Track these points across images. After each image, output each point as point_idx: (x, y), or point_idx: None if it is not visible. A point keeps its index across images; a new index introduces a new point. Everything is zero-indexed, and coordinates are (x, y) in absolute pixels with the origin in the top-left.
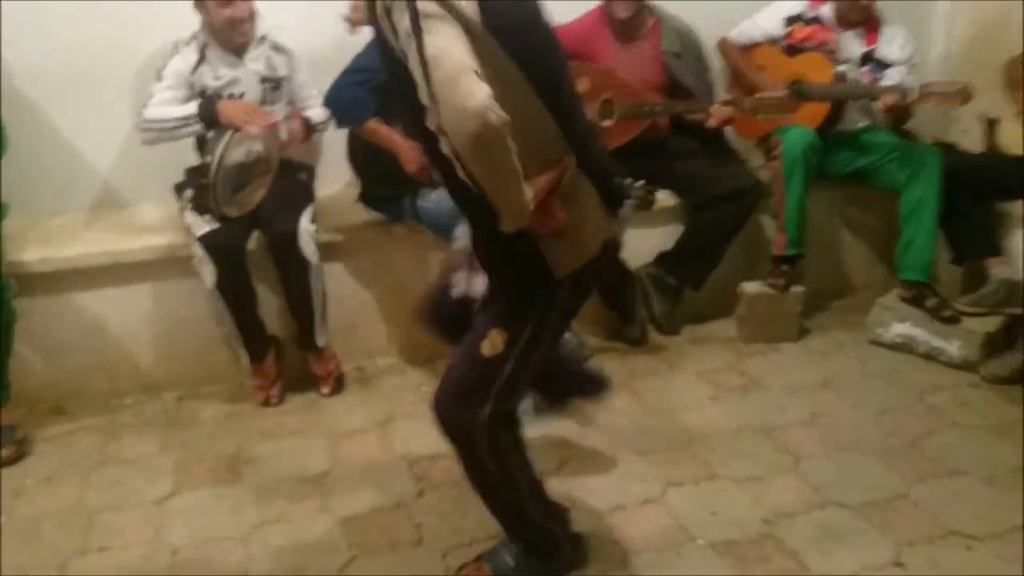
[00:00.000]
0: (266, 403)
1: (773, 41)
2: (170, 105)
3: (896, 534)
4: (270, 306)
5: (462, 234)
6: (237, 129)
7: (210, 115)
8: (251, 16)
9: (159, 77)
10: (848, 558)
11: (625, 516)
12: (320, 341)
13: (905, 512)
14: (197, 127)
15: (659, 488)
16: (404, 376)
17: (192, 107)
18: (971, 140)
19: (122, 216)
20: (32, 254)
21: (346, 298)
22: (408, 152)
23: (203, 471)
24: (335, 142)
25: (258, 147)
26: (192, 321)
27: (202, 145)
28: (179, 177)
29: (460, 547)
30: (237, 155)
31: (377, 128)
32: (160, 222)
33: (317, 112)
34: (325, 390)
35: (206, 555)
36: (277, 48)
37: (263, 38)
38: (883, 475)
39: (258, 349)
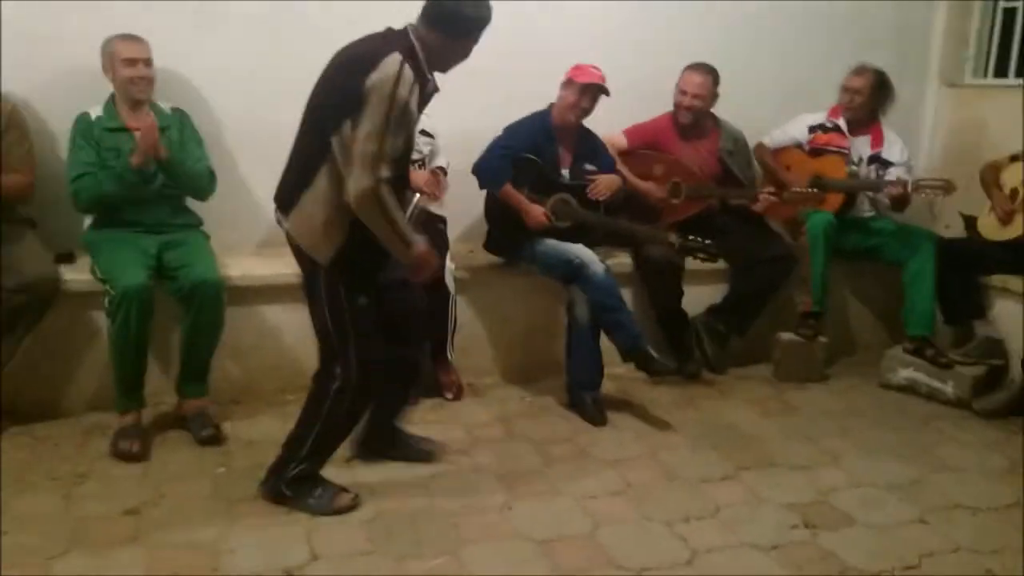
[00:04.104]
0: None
1: (799, 145)
2: None
3: (919, 504)
4: None
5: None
6: (422, 192)
7: None
8: None
9: None
10: (884, 516)
11: (711, 487)
12: (450, 356)
13: (923, 491)
14: None
15: (732, 470)
16: (507, 390)
17: None
18: (953, 233)
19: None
20: (234, 271)
21: (462, 326)
22: (533, 211)
23: None
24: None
25: (422, 204)
26: None
27: None
28: None
29: None
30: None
31: (510, 192)
32: None
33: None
34: (449, 395)
35: None
36: (425, 132)
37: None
38: (904, 469)
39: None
